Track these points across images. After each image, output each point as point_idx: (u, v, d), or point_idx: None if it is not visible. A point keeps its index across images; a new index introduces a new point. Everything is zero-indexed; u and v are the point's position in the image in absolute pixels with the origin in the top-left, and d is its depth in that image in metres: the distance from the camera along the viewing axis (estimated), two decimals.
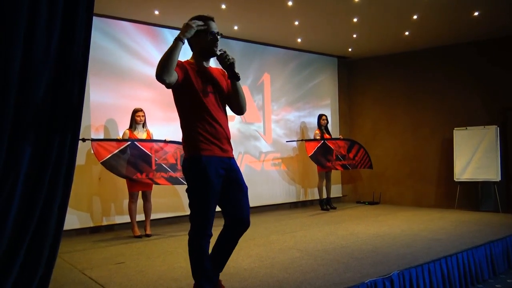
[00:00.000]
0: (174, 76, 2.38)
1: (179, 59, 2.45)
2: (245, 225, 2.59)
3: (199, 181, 2.45)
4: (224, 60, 2.45)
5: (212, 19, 2.55)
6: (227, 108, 2.71)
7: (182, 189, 6.11)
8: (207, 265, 2.51)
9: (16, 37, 1.93)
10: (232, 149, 2.63)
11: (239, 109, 2.65)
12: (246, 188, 2.62)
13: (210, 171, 2.42)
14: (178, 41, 2.34)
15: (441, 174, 7.37)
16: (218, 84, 2.57)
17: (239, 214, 2.56)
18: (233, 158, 2.61)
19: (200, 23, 2.45)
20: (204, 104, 2.48)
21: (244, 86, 7.04)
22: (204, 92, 2.49)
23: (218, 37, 2.52)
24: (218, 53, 2.48)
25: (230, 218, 2.59)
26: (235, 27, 6.26)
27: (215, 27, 2.53)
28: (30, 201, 2.05)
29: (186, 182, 2.54)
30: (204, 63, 2.58)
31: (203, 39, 2.49)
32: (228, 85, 2.61)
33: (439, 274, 3.56)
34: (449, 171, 7.07)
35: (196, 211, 2.48)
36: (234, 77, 2.48)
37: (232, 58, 2.46)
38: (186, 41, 2.47)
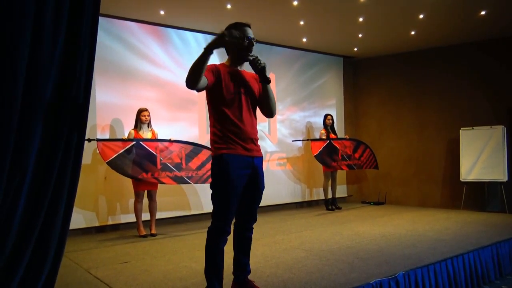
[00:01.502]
0: (202, 82, 2.51)
1: (215, 62, 2.61)
2: (252, 220, 2.78)
3: (221, 179, 2.57)
4: (256, 64, 2.57)
5: (248, 25, 2.67)
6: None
7: (187, 188, 6.13)
8: (219, 263, 2.61)
9: (23, 37, 1.94)
10: (258, 149, 2.71)
11: (270, 112, 2.76)
12: (263, 187, 2.75)
13: (232, 170, 2.53)
14: (207, 51, 2.44)
15: (447, 174, 7.33)
16: (250, 87, 2.69)
17: (249, 210, 2.74)
18: (258, 157, 2.70)
19: (235, 34, 2.55)
20: (232, 105, 2.60)
21: None
22: (234, 93, 2.61)
23: (254, 42, 2.64)
24: (251, 58, 2.61)
25: (239, 213, 2.74)
26: None
27: (251, 33, 2.65)
28: (36, 201, 2.06)
29: (211, 178, 2.66)
30: (238, 67, 2.72)
31: (239, 44, 2.61)
32: (259, 89, 2.73)
33: (445, 275, 3.55)
34: (455, 171, 7.03)
35: (217, 208, 2.61)
36: (264, 81, 2.61)
37: (264, 63, 2.58)
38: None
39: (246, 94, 2.66)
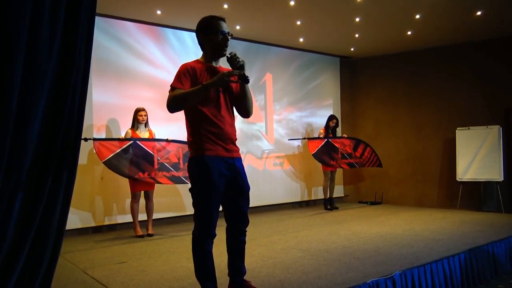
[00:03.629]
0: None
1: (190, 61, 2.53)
2: (243, 223, 2.65)
3: (202, 180, 2.45)
4: (234, 61, 2.45)
5: (223, 19, 2.56)
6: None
7: (184, 188, 6.12)
8: (210, 265, 2.53)
9: (19, 37, 1.93)
10: (237, 150, 2.63)
11: (246, 112, 2.65)
12: (248, 188, 2.65)
13: (213, 171, 2.43)
14: (203, 90, 2.35)
15: (443, 174, 7.36)
16: (228, 85, 2.55)
17: (237, 213, 2.62)
18: (238, 158, 2.62)
19: (235, 73, 2.39)
20: (210, 104, 2.49)
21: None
22: (212, 92, 2.47)
23: (229, 37, 2.53)
24: (229, 55, 2.48)
25: (229, 218, 2.64)
26: (238, 27, 6.26)
27: (225, 27, 2.54)
28: (32, 201, 2.06)
29: (190, 181, 2.55)
30: (214, 63, 2.59)
31: (214, 39, 2.50)
32: (237, 87, 2.61)
33: (442, 274, 3.56)
34: (452, 171, 7.06)
35: (200, 211, 2.49)
36: (243, 80, 2.46)
37: (242, 61, 2.46)
38: (197, 39, 2.56)
39: (224, 92, 2.54)
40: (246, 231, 2.70)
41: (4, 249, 1.97)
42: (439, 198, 7.39)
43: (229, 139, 2.54)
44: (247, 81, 2.47)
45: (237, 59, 2.45)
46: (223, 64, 2.67)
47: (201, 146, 2.46)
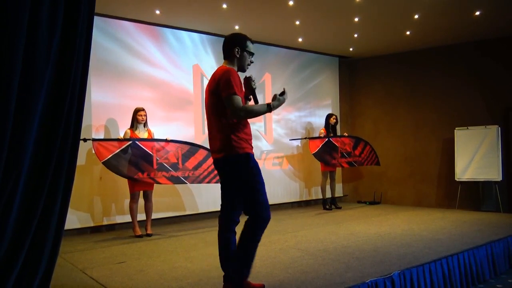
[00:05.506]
0: None
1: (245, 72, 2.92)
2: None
3: (258, 174, 2.78)
4: (250, 83, 2.84)
5: (253, 42, 2.95)
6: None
7: (182, 189, 6.12)
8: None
9: (18, 36, 1.93)
10: None
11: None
12: None
13: (256, 164, 2.81)
14: (268, 110, 2.76)
15: (442, 174, 7.37)
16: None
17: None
18: None
19: (284, 98, 2.82)
20: None
21: None
22: (244, 98, 2.85)
23: (253, 60, 2.96)
24: (248, 75, 2.86)
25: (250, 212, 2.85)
26: (236, 27, 6.26)
27: (253, 50, 2.93)
28: (31, 200, 2.06)
29: (239, 176, 2.75)
30: None
31: (246, 57, 2.88)
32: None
33: (440, 274, 3.56)
34: (450, 171, 7.07)
35: (263, 197, 2.78)
36: (254, 101, 2.85)
37: (256, 85, 2.88)
38: (225, 47, 2.87)
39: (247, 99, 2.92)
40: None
41: (3, 249, 1.97)
42: (437, 198, 7.40)
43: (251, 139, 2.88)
44: (257, 102, 2.84)
45: (253, 82, 2.86)
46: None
47: (242, 145, 2.74)
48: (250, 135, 2.84)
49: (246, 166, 2.74)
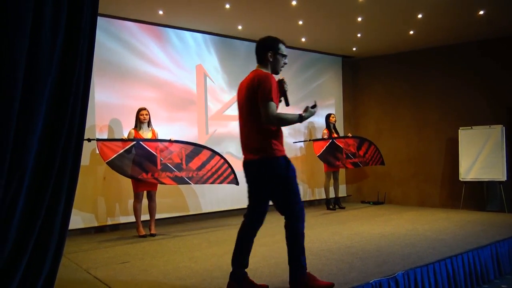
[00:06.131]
0: None
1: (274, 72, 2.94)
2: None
3: (295, 176, 2.87)
4: (283, 86, 2.91)
5: (285, 44, 3.03)
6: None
7: (186, 189, 6.12)
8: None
9: (22, 38, 1.94)
10: None
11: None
12: None
13: (292, 166, 2.87)
14: (299, 120, 2.85)
15: (446, 174, 7.34)
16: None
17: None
18: None
19: (314, 111, 2.92)
20: None
21: None
22: (278, 107, 2.89)
23: (286, 61, 3.00)
24: (281, 77, 2.94)
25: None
26: (239, 27, 6.26)
27: (286, 52, 2.99)
28: (35, 201, 2.06)
29: (276, 178, 2.82)
30: None
31: (279, 60, 2.93)
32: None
33: (445, 274, 3.55)
34: (454, 171, 7.04)
35: (299, 197, 2.92)
36: (286, 103, 2.96)
37: (287, 87, 2.95)
38: (257, 51, 2.97)
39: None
40: None
41: (7, 249, 1.97)
42: (442, 198, 7.37)
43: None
44: (288, 105, 2.98)
45: (286, 85, 2.94)
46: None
47: (280, 148, 2.84)
48: (281, 138, 2.92)
49: (286, 168, 2.82)
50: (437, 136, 7.45)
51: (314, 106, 2.89)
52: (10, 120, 1.92)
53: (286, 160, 2.84)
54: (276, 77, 2.91)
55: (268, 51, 2.89)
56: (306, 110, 2.87)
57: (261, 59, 2.92)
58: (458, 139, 6.87)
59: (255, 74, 2.82)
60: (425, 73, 7.58)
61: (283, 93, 2.92)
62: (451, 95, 7.30)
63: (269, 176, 2.80)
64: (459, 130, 6.87)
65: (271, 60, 2.88)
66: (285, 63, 2.97)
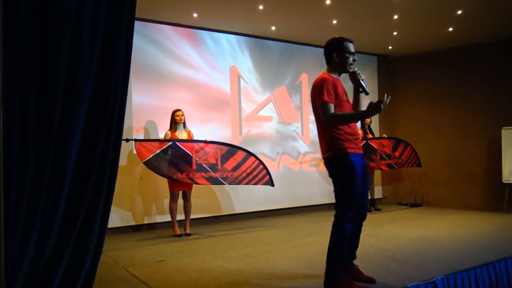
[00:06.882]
0: None
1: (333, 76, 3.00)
2: (365, 210, 3.16)
3: (349, 174, 2.88)
4: (356, 76, 2.96)
5: (352, 41, 3.03)
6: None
7: (219, 190, 6.17)
8: (347, 245, 2.95)
9: (63, 42, 2.01)
10: (361, 147, 3.07)
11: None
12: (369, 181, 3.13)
13: (356, 165, 2.88)
14: (359, 118, 2.99)
15: (488, 176, 7.05)
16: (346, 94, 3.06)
17: (363, 201, 3.05)
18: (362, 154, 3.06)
19: (382, 103, 2.84)
20: (345, 111, 2.97)
21: (282, 87, 7.03)
22: (345, 101, 2.97)
23: (356, 57, 3.01)
24: (351, 70, 2.97)
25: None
26: (273, 28, 6.26)
27: (353, 48, 3.01)
28: (76, 202, 2.13)
29: (334, 175, 2.95)
30: (338, 77, 3.04)
31: (346, 59, 2.96)
32: (354, 97, 3.13)
33: (487, 280, 3.40)
34: (497, 172, 6.75)
35: (350, 195, 2.93)
36: (364, 92, 2.98)
37: (363, 76, 2.97)
38: (324, 54, 3.07)
39: (348, 100, 3.05)
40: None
41: (50, 247, 2.05)
42: (483, 201, 7.08)
43: (358, 139, 3.00)
44: (367, 93, 2.97)
45: (359, 74, 2.97)
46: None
47: (338, 147, 2.89)
48: (352, 134, 2.93)
49: (341, 166, 2.89)
50: (478, 136, 7.17)
51: (379, 102, 2.82)
52: (52, 122, 1.99)
53: (341, 158, 2.87)
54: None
55: (333, 52, 2.99)
56: (369, 107, 2.86)
57: (328, 60, 3.05)
58: (501, 139, 6.59)
59: (315, 78, 2.99)
60: (465, 70, 7.30)
61: (358, 83, 2.95)
62: (492, 94, 7.01)
63: (329, 173, 2.98)
64: (502, 130, 6.59)
65: (337, 60, 2.97)
66: (354, 60, 2.99)
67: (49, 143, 1.99)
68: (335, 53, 2.97)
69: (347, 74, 3.05)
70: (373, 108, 2.80)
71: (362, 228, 3.20)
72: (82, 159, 2.14)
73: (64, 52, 2.01)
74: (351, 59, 2.97)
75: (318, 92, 2.86)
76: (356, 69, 2.98)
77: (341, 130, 2.90)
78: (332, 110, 2.84)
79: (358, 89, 3.03)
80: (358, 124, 7.25)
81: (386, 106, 2.81)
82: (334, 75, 3.00)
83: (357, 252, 3.93)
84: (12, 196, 1.87)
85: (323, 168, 7.38)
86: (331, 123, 2.87)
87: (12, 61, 1.88)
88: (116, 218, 5.45)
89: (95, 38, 2.13)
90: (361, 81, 2.93)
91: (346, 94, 3.02)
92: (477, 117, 7.19)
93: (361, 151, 3.00)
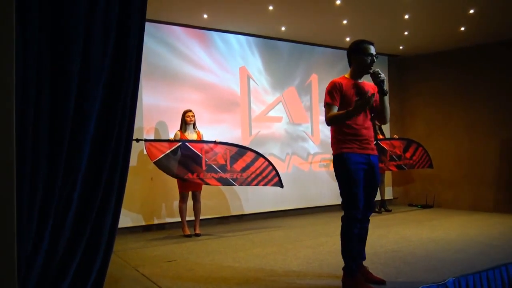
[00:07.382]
0: None
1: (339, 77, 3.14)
2: (371, 211, 3.13)
3: (347, 172, 2.94)
4: (376, 77, 2.94)
5: (372, 43, 3.06)
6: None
7: (228, 191, 6.18)
8: (354, 246, 2.97)
9: (75, 43, 2.03)
10: (374, 148, 3.08)
11: (383, 120, 3.13)
12: (379, 181, 3.15)
13: (352, 165, 2.91)
14: (350, 115, 2.86)
15: (501, 177, 6.96)
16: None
17: (368, 201, 3.03)
18: (374, 155, 3.05)
19: (372, 100, 2.83)
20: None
21: (292, 87, 7.02)
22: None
23: (375, 59, 3.04)
24: (371, 71, 2.99)
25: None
26: (283, 28, 6.25)
27: (373, 50, 3.04)
28: (88, 201, 2.15)
29: (336, 173, 3.03)
30: (358, 79, 3.10)
31: (364, 60, 3.01)
32: (376, 99, 3.06)
33: (499, 282, 3.36)
34: (509, 173, 6.66)
35: (351, 195, 2.98)
36: (382, 93, 2.97)
37: (383, 76, 2.95)
38: (347, 57, 3.13)
39: None
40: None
41: (62, 246, 2.08)
42: (496, 202, 6.99)
43: (365, 139, 2.99)
44: (385, 94, 2.97)
45: (379, 75, 2.94)
46: (365, 79, 3.15)
47: (339, 146, 2.98)
48: (354, 135, 2.96)
49: (337, 165, 3.01)
50: (491, 137, 7.08)
51: (359, 99, 2.86)
52: (64, 122, 2.02)
53: (340, 157, 2.95)
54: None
55: (351, 55, 3.08)
56: (354, 104, 2.90)
57: (350, 63, 3.13)
58: None
59: None
60: (477, 70, 7.22)
61: (377, 83, 2.96)
62: (505, 93, 6.91)
63: (335, 172, 3.05)
64: None
65: (356, 62, 3.05)
66: (372, 61, 3.02)
67: (62, 144, 2.01)
68: (354, 55, 3.06)
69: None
70: (356, 106, 2.82)
71: (373, 229, 3.18)
72: (93, 159, 2.16)
73: (76, 53, 2.04)
74: (369, 60, 3.01)
75: (325, 95, 3.04)
76: (376, 70, 3.00)
77: (339, 131, 2.99)
78: (330, 112, 2.96)
79: (380, 89, 3.04)
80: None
81: (370, 100, 2.79)
82: (353, 77, 3.07)
83: (367, 254, 3.91)
84: (25, 196, 1.90)
85: (332, 168, 7.38)
86: (329, 124, 3.01)
87: (25, 62, 1.90)
88: (127, 218, 5.49)
89: (107, 39, 2.15)
90: (380, 81, 2.95)
91: (363, 94, 3.00)
92: (489, 117, 7.10)
93: (364, 151, 2.98)
